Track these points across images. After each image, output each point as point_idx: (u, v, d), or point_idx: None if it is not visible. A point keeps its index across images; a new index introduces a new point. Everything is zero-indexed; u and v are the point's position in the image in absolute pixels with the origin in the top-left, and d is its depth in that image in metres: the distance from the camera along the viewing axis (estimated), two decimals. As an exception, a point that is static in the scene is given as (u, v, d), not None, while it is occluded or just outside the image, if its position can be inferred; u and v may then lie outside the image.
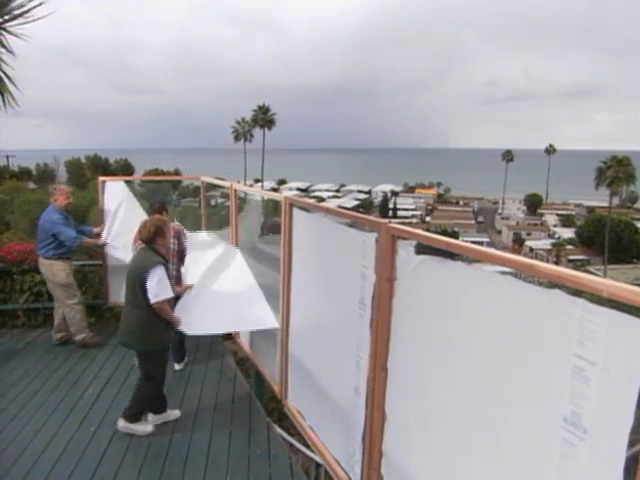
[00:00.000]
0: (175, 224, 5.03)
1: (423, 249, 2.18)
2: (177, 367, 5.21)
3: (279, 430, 4.28)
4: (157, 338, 3.92)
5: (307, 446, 4.07)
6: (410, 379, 2.25)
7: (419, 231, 2.20)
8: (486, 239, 65.02)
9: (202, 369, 5.28)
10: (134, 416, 4.07)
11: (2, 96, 6.82)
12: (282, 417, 4.65)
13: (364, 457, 2.70)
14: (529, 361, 1.59)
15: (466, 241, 2.07)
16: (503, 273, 1.73)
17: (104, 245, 5.95)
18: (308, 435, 3.50)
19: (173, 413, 4.31)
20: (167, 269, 3.88)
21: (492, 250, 1.80)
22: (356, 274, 2.66)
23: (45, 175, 44.25)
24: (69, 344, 5.76)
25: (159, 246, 3.91)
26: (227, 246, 5.04)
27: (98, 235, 5.95)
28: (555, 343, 1.50)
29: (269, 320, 4.09)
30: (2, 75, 6.80)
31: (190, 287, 4.43)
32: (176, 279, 4.94)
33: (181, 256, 4.99)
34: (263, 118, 62.07)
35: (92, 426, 4.15)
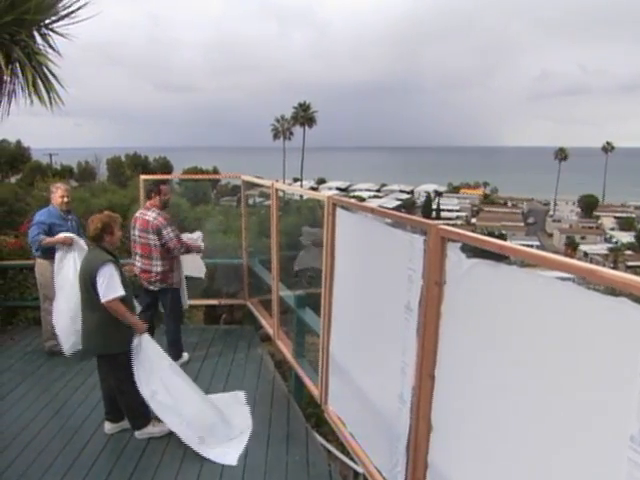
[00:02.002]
0: (159, 217, 5.02)
1: (468, 251, 2.15)
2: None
3: (318, 436, 4.30)
4: (120, 338, 3.84)
5: (345, 453, 4.07)
6: (459, 388, 2.22)
7: (471, 233, 2.16)
8: (536, 242, 63.32)
9: (240, 371, 5.36)
10: (141, 422, 4.07)
11: (49, 95, 7.13)
12: (320, 422, 4.67)
13: (408, 468, 2.68)
14: (591, 374, 1.54)
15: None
16: (560, 279, 1.68)
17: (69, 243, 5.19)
18: (348, 442, 3.50)
19: (159, 427, 4.10)
20: (118, 266, 3.82)
21: (549, 254, 1.75)
22: (402, 277, 2.64)
23: (86, 173, 45.88)
24: None
25: (107, 244, 3.86)
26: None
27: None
28: (621, 356, 1.44)
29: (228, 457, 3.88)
30: (49, 74, 7.11)
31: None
32: (162, 275, 5.08)
33: (168, 250, 5.05)
34: (303, 116, 62.58)
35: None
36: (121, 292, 3.76)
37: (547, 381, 1.71)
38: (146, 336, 3.98)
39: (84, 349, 4.04)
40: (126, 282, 3.91)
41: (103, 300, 3.69)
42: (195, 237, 5.45)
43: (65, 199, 5.49)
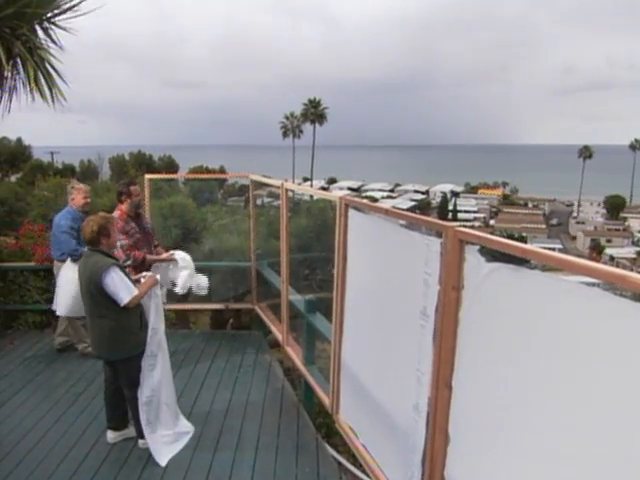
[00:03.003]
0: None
1: (487, 255, 2.13)
2: None
3: (328, 447, 4.29)
4: (133, 340, 3.91)
5: (357, 466, 4.06)
6: (478, 399, 2.20)
7: (490, 236, 2.15)
8: (558, 245, 62.89)
9: (248, 378, 5.37)
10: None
11: (50, 91, 7.18)
12: (331, 433, 4.66)
13: (423, 482, 2.67)
14: (623, 387, 1.52)
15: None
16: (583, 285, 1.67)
17: None
18: (361, 454, 3.49)
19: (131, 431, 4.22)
20: (121, 267, 3.86)
21: (576, 258, 1.74)
22: (418, 281, 2.63)
23: (89, 172, 46.24)
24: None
25: (104, 247, 3.87)
26: None
27: None
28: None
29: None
30: (51, 70, 7.16)
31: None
32: None
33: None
34: (314, 112, 62.57)
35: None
36: (135, 290, 3.84)
37: (573, 392, 1.69)
38: (157, 289, 4.10)
39: (97, 355, 4.08)
40: (131, 280, 3.95)
41: (123, 304, 3.75)
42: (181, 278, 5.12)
43: (88, 200, 5.57)
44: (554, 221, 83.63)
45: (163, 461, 3.95)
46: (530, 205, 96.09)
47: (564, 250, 58.39)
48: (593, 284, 1.80)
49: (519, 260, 1.91)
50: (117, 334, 3.85)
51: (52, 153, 45.30)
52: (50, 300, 6.62)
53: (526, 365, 1.90)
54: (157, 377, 4.02)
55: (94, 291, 3.75)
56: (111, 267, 3.73)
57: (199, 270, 5.44)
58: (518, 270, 1.94)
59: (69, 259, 5.34)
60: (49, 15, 6.77)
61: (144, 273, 4.26)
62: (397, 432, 2.97)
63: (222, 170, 45.12)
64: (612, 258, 57.46)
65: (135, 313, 3.90)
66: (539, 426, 1.85)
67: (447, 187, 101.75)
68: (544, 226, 78.90)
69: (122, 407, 4.18)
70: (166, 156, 50.91)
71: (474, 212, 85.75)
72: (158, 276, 4.18)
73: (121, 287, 3.74)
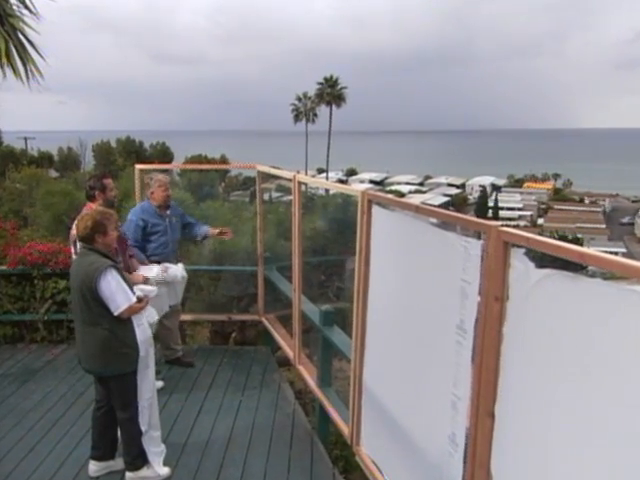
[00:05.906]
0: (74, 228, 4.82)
1: (533, 260, 2.12)
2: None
3: (347, 485, 4.30)
4: (132, 354, 3.93)
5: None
6: (526, 430, 2.18)
7: (542, 238, 2.13)
8: (622, 249, 62.14)
9: (253, 402, 5.39)
10: (138, 461, 4.12)
11: (25, 67, 7.19)
12: (349, 467, 4.66)
13: (460, 527, 2.66)
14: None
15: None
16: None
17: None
18: (385, 494, 3.49)
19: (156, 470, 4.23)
20: (119, 269, 3.90)
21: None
22: (454, 291, 2.62)
23: (69, 161, 46.72)
24: None
25: (99, 246, 3.90)
26: None
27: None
28: None
29: None
30: (25, 42, 7.19)
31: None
32: None
33: None
34: (330, 93, 62.52)
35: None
36: (133, 298, 3.89)
37: None
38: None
39: (87, 370, 4.10)
40: (129, 284, 3.99)
41: (117, 312, 3.79)
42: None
43: (169, 192, 5.66)
44: (625, 219, 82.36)
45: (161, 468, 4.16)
46: (587, 201, 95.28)
47: (629, 254, 57.66)
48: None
49: (573, 266, 1.89)
50: (111, 346, 3.88)
51: (26, 139, 45.82)
52: (24, 310, 6.71)
53: (584, 390, 1.88)
54: (151, 376, 4.11)
55: (87, 295, 3.79)
56: (108, 269, 3.79)
57: (199, 276, 5.48)
58: (575, 278, 1.91)
59: None
60: (23, -24, 6.81)
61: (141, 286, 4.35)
62: (429, 468, 2.96)
63: (224, 160, 45.36)
64: (686, 265, 56.61)
65: (131, 324, 3.94)
66: (602, 465, 1.83)
67: (487, 180, 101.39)
68: (604, 226, 78.09)
69: (111, 433, 4.20)
70: (159, 143, 51.25)
71: (519, 209, 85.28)
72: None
73: (117, 292, 3.79)
